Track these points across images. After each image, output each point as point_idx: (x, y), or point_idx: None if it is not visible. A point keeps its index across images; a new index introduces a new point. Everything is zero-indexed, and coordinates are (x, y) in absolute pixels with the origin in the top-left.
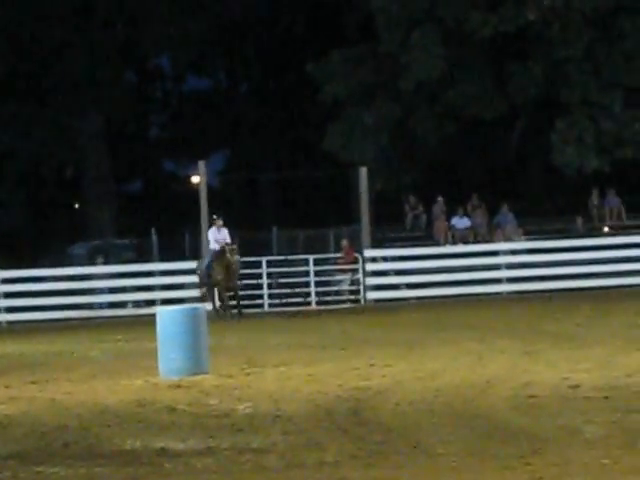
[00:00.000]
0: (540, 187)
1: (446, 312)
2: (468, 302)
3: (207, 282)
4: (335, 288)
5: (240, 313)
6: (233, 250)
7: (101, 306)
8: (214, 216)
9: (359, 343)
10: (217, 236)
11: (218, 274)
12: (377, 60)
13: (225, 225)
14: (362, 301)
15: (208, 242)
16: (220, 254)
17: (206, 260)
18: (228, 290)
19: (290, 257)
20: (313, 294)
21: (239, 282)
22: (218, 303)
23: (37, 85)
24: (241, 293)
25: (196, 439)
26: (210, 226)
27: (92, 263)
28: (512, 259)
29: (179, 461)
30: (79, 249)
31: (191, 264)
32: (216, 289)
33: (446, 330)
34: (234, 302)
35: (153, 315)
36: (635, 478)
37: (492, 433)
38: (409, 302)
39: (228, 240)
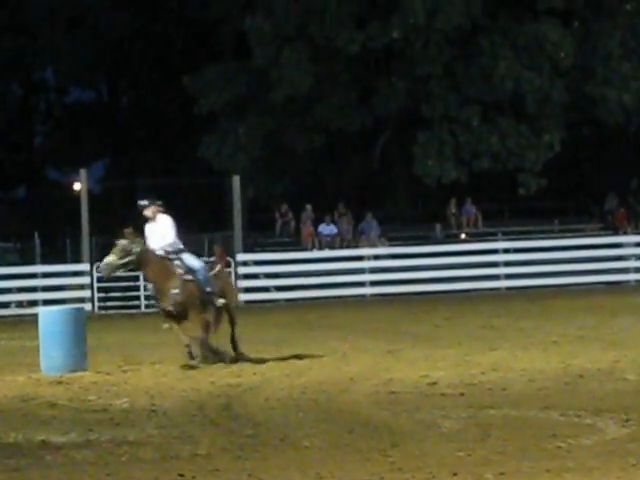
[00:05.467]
0: (402, 196)
1: (313, 313)
2: (334, 304)
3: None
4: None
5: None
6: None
7: None
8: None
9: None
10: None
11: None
12: (250, 75)
13: (106, 231)
14: None
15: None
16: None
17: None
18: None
19: None
20: None
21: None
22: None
23: None
24: (118, 294)
25: (76, 432)
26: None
27: None
28: (375, 264)
29: (59, 453)
30: None
31: (72, 267)
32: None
33: (313, 330)
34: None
35: (35, 315)
36: (487, 469)
37: (355, 427)
38: (278, 304)
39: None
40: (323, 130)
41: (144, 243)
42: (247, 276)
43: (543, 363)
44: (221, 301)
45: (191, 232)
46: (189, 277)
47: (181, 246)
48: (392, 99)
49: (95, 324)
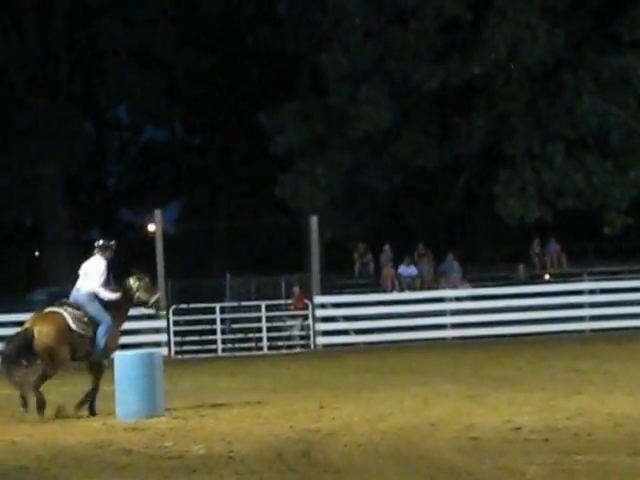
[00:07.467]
0: (484, 236)
1: (393, 357)
2: (414, 347)
3: None
4: (286, 334)
5: None
6: None
7: None
8: None
9: (309, 387)
10: None
11: None
12: (327, 112)
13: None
14: (312, 346)
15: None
16: None
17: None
18: None
19: (243, 303)
20: (265, 339)
21: None
22: None
23: None
24: (195, 338)
25: None
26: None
27: None
28: (457, 306)
29: None
30: (39, 295)
31: (148, 310)
32: None
33: (393, 374)
34: None
35: (111, 359)
36: None
37: (436, 474)
38: (358, 347)
39: None
40: (402, 168)
41: None
42: (325, 319)
43: (630, 407)
44: None
45: (268, 274)
46: None
47: None
48: (473, 136)
49: (171, 368)
